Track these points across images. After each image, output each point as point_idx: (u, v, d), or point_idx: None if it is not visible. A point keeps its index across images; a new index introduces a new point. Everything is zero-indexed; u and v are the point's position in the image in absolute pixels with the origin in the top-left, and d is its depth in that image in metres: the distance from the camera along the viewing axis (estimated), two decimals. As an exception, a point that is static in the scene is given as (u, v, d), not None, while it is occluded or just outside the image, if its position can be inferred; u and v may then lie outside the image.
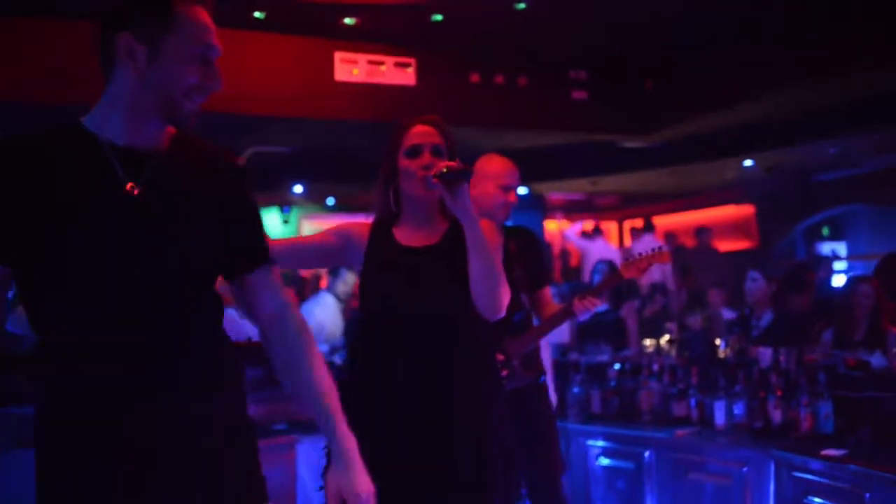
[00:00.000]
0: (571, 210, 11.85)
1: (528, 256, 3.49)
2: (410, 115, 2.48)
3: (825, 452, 3.69)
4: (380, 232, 2.47)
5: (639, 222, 12.10)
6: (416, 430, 2.28)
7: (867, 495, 3.36)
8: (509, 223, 3.53)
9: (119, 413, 1.54)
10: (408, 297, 2.35)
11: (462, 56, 6.47)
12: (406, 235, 2.44)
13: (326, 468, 2.34)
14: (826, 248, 11.24)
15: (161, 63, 1.55)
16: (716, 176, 9.41)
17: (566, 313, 3.38)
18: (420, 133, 2.41)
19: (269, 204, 10.25)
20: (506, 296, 2.30)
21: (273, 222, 11.43)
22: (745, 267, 10.17)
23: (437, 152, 2.38)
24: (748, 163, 8.28)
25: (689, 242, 10.61)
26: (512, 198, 3.33)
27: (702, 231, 10.46)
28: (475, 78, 6.48)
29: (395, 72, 6.13)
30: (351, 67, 6.01)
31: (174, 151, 1.64)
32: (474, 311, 2.33)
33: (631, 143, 7.39)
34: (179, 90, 1.56)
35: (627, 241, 12.45)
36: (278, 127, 6.43)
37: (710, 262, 10.00)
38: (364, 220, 2.56)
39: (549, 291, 3.62)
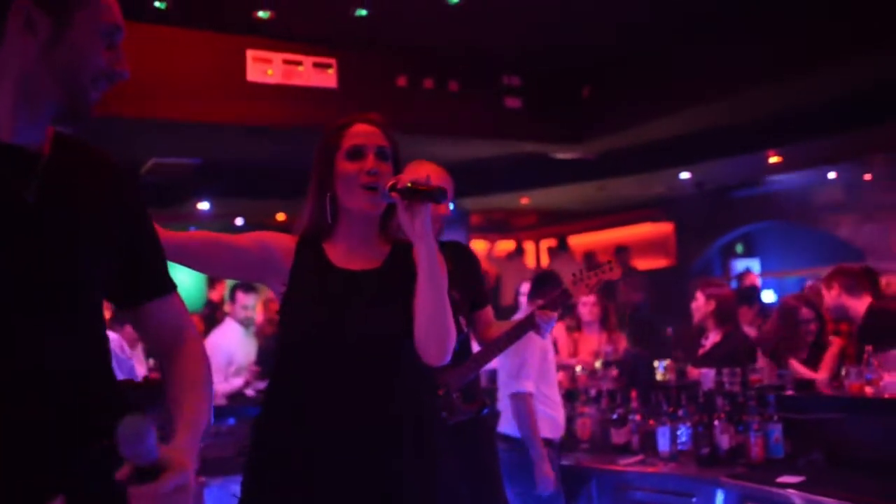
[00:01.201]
0: (490, 230, 11.63)
1: (464, 275, 3.16)
2: (332, 119, 2.16)
3: (781, 479, 3.56)
4: (308, 248, 2.10)
5: (554, 242, 12.02)
6: (349, 480, 1.92)
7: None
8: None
9: None
10: (342, 327, 1.98)
11: (388, 57, 6.07)
12: (340, 255, 2.08)
13: None
14: (740, 264, 11.35)
15: (68, 40, 1.35)
16: (646, 190, 9.29)
17: (528, 325, 3.07)
18: (363, 133, 2.08)
19: (169, 222, 9.63)
20: (454, 339, 1.98)
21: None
22: (665, 286, 10.35)
23: (382, 155, 2.06)
24: (685, 175, 8.18)
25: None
26: (443, 210, 3.02)
27: (621, 250, 10.42)
28: (402, 81, 6.08)
29: (314, 73, 5.67)
30: (265, 67, 5.54)
31: (60, 153, 1.41)
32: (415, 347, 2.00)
33: (564, 154, 7.12)
34: (87, 73, 1.37)
35: (545, 261, 12.36)
36: (182, 135, 5.85)
37: (630, 281, 9.95)
38: (288, 234, 2.16)
39: (490, 311, 3.29)
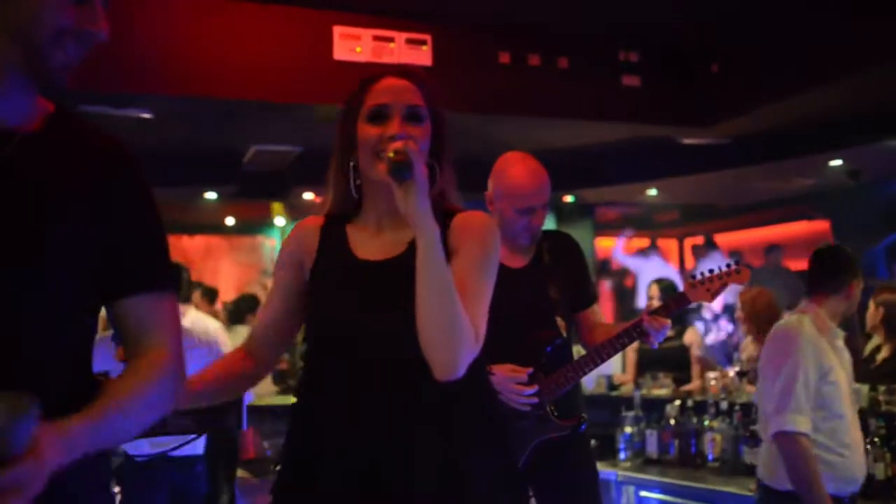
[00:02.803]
0: (625, 226, 11.08)
1: (565, 268, 2.80)
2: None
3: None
4: (331, 234, 1.80)
5: (700, 240, 11.34)
6: None
7: None
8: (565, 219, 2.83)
9: None
10: (354, 338, 1.67)
11: (488, 31, 5.54)
12: (364, 241, 1.76)
13: None
14: (911, 268, 10.31)
15: None
16: (792, 181, 8.46)
17: (636, 332, 2.67)
18: (389, 89, 1.73)
19: (295, 218, 9.68)
20: (468, 348, 1.56)
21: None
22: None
23: (413, 117, 1.71)
24: (836, 162, 7.34)
25: (757, 262, 9.84)
26: (537, 221, 2.67)
27: (772, 249, 9.75)
28: (505, 58, 5.53)
29: (407, 50, 5.22)
30: (353, 45, 5.15)
31: (49, 132, 1.31)
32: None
33: (692, 140, 6.45)
34: (46, 33, 1.26)
35: (690, 262, 11.71)
36: (280, 122, 5.64)
37: (783, 283, 9.27)
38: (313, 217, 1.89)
39: (597, 310, 2.90)
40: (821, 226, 10.63)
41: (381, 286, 1.68)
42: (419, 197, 1.53)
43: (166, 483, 3.63)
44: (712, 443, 4.29)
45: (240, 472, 4.83)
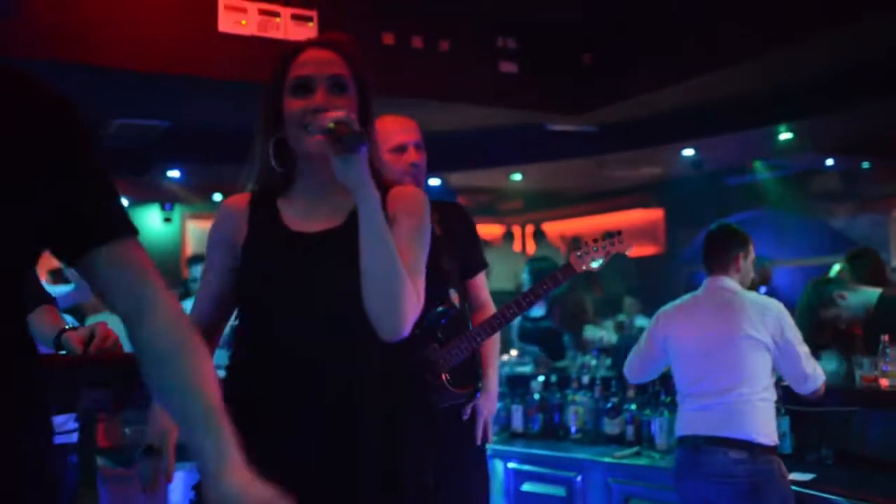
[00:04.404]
0: (476, 213, 11.27)
1: (458, 239, 2.82)
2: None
3: (790, 477, 3.28)
4: (261, 210, 1.79)
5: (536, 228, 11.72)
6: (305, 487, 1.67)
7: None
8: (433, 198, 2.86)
9: None
10: (292, 308, 1.69)
11: (374, 11, 5.58)
12: (297, 214, 1.77)
13: None
14: (730, 254, 11.09)
15: None
16: (645, 169, 8.87)
17: (525, 302, 2.82)
18: (311, 61, 1.73)
19: (145, 199, 9.21)
20: (412, 308, 1.65)
21: (152, 223, 10.38)
22: (653, 273, 10.09)
23: (337, 87, 1.71)
24: (689, 152, 7.79)
25: (597, 248, 10.28)
26: (413, 157, 2.62)
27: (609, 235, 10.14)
28: (388, 39, 5.59)
29: (293, 26, 5.17)
30: (238, 17, 5.08)
31: None
32: None
33: (561, 126, 6.72)
34: None
35: (531, 246, 12.09)
36: (147, 90, 5.44)
37: (619, 270, 9.73)
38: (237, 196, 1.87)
39: (483, 279, 2.97)
40: (656, 214, 11.26)
41: (316, 258, 1.70)
42: (360, 164, 1.57)
43: None
44: (575, 415, 4.46)
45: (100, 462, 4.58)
